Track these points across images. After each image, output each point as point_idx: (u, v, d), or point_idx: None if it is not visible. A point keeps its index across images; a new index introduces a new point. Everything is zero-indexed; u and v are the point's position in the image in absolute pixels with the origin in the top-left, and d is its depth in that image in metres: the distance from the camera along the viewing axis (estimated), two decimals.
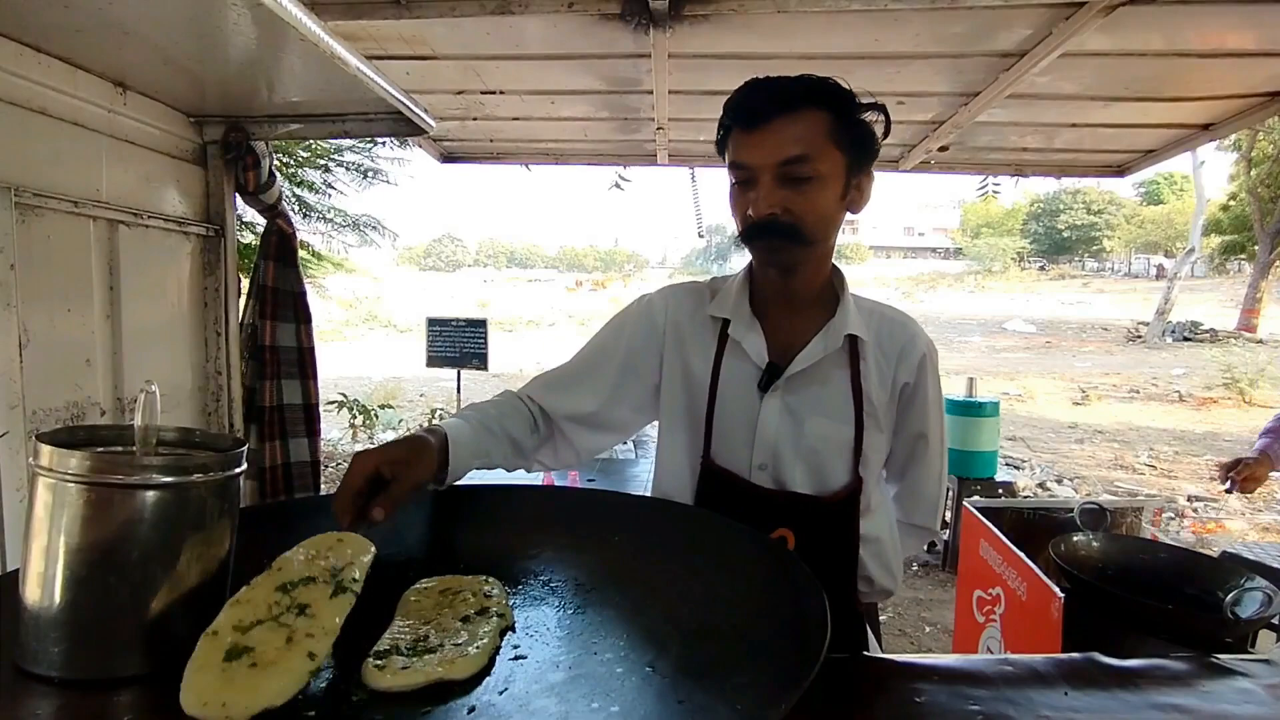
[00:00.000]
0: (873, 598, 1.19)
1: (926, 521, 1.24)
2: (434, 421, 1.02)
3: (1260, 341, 15.95)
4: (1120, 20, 1.65)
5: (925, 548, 4.26)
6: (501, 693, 0.63)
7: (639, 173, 3.52)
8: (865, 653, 1.14)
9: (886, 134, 1.06)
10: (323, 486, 2.44)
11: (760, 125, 0.99)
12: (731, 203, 1.06)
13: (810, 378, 1.09)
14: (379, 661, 0.65)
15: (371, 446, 0.87)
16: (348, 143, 5.73)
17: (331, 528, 0.80)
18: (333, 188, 6.03)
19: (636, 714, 0.58)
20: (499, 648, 0.70)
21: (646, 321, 1.18)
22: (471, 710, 0.60)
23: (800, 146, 0.97)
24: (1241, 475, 2.14)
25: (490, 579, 0.83)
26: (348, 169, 5.99)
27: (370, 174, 6.07)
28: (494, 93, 2.39)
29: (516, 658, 0.69)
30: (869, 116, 1.03)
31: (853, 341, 1.09)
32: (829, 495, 1.09)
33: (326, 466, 6.63)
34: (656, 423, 1.23)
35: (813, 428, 1.08)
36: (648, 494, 1.11)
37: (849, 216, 1.08)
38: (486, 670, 0.66)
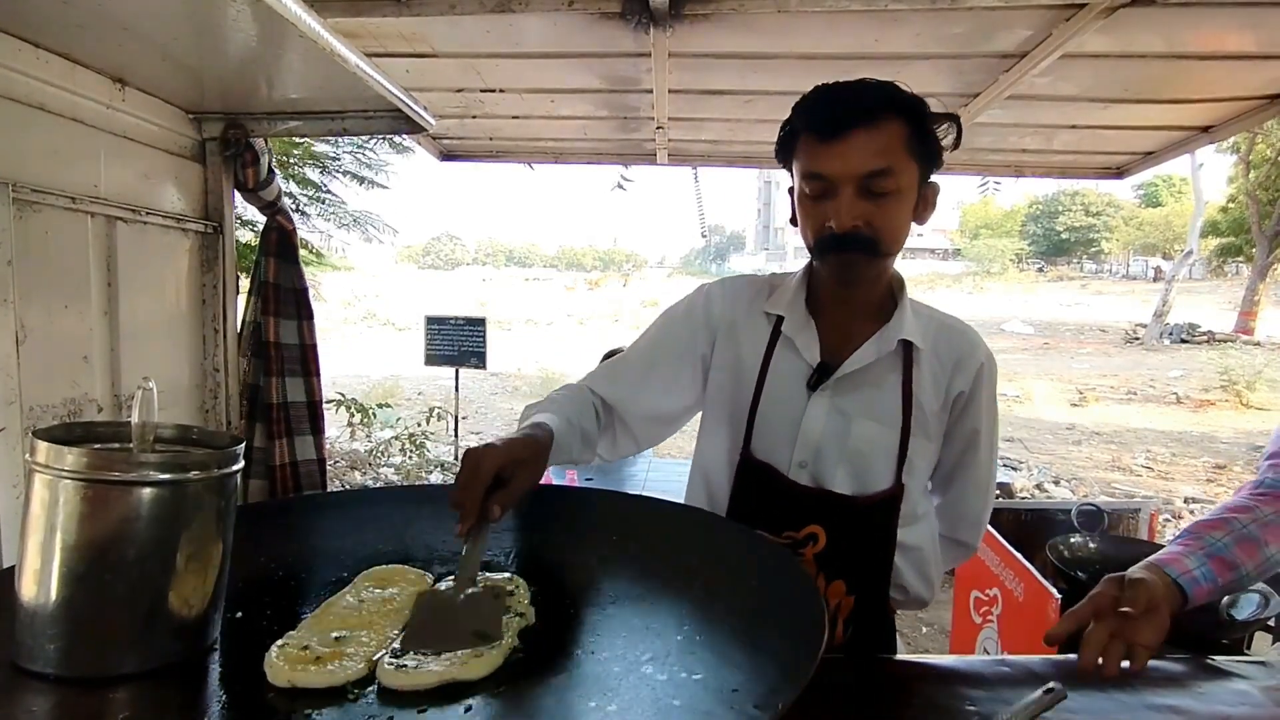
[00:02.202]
0: (906, 606, 1.17)
1: (968, 537, 1.21)
2: (532, 420, 1.04)
3: (1258, 344, 15.98)
4: (1120, 22, 1.65)
5: None
6: (499, 692, 0.63)
7: (638, 172, 3.52)
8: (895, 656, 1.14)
9: (957, 145, 1.05)
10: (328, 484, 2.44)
11: (841, 135, 0.96)
12: (803, 213, 1.04)
13: (861, 380, 1.08)
14: (394, 660, 0.65)
15: (489, 443, 0.86)
16: (346, 144, 5.72)
17: (336, 524, 0.80)
18: (330, 192, 6.01)
19: (633, 714, 0.58)
20: (517, 647, 0.70)
21: (703, 312, 1.18)
22: (469, 710, 0.60)
23: (883, 160, 0.96)
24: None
25: (516, 578, 0.83)
26: (345, 173, 5.98)
27: (364, 182, 6.06)
28: (494, 91, 2.39)
29: (515, 657, 0.69)
30: (940, 128, 1.02)
31: (907, 347, 1.08)
32: (865, 497, 1.08)
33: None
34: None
35: (859, 430, 1.07)
36: (645, 493, 1.11)
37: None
38: (502, 670, 0.66)
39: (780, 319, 1.12)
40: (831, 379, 1.08)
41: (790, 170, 1.06)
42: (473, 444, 0.95)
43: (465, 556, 0.79)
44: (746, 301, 1.17)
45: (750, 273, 1.26)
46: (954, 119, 1.03)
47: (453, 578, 0.80)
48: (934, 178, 1.06)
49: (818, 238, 1.02)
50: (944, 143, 1.04)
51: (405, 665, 0.64)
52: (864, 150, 0.96)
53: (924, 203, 1.04)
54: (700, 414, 1.22)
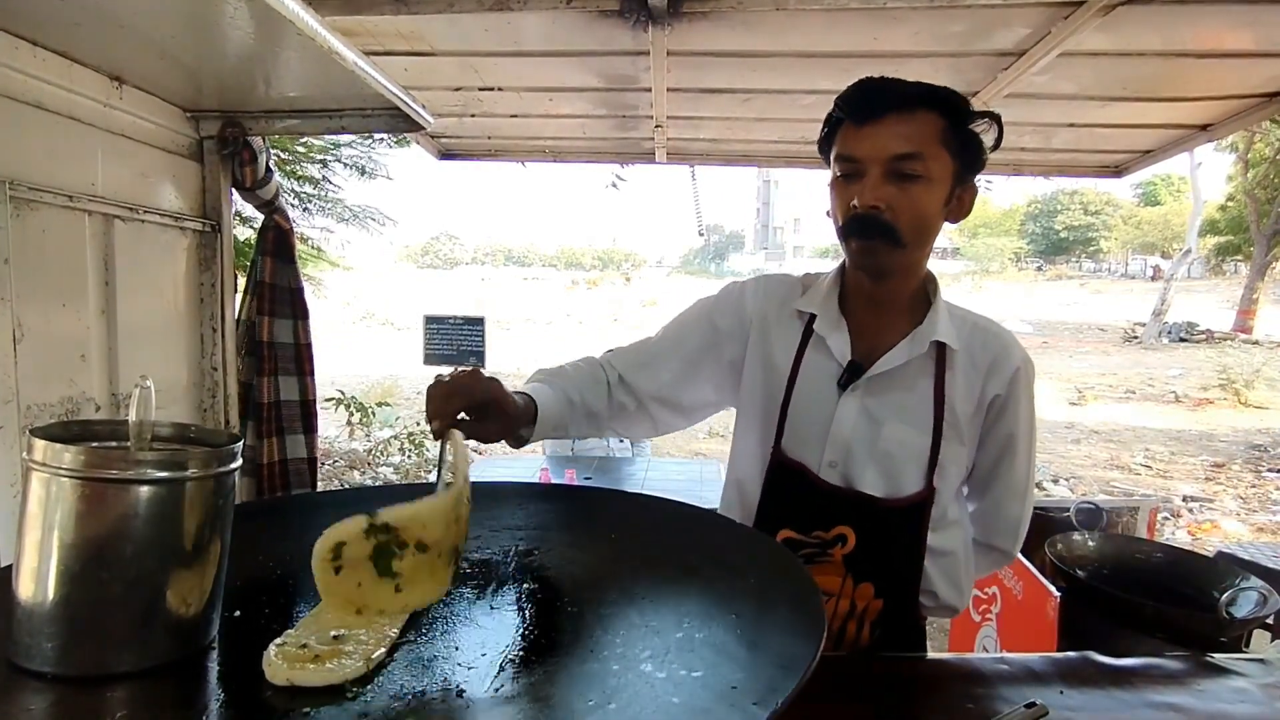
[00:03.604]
0: (937, 613, 1.16)
1: (1005, 544, 1.18)
2: (523, 385, 1.09)
3: (1256, 343, 15.97)
4: (1119, 20, 1.65)
5: None
6: (498, 690, 0.63)
7: (636, 171, 3.53)
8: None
9: (997, 145, 1.05)
10: (319, 484, 2.44)
11: (874, 119, 0.98)
12: (833, 196, 1.04)
13: (892, 381, 1.08)
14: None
15: (489, 374, 0.91)
16: (345, 139, 5.71)
17: (324, 522, 0.80)
18: (329, 182, 6.01)
19: (632, 711, 0.58)
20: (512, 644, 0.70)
21: (735, 307, 1.18)
22: (467, 708, 0.60)
23: (912, 144, 0.97)
24: None
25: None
26: (345, 164, 5.98)
27: (366, 171, 6.06)
28: (492, 89, 2.39)
29: (514, 655, 0.69)
30: (980, 126, 1.02)
31: (940, 349, 1.07)
32: (895, 499, 1.07)
33: (323, 465, 6.62)
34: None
35: (890, 432, 1.07)
36: (645, 492, 1.11)
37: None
38: (500, 668, 0.66)
39: (813, 317, 1.12)
40: (862, 379, 1.08)
41: (829, 163, 1.06)
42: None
43: (442, 463, 0.84)
44: (779, 300, 1.17)
45: (784, 272, 1.26)
46: (995, 117, 1.03)
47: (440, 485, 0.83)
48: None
49: (844, 220, 1.02)
50: (985, 142, 1.04)
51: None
52: (894, 134, 0.97)
53: (959, 201, 1.04)
54: (735, 412, 1.22)
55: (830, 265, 1.19)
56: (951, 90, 1.00)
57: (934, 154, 0.98)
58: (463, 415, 0.88)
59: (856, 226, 1.00)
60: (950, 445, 1.07)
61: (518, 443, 1.00)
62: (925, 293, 1.11)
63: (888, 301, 1.10)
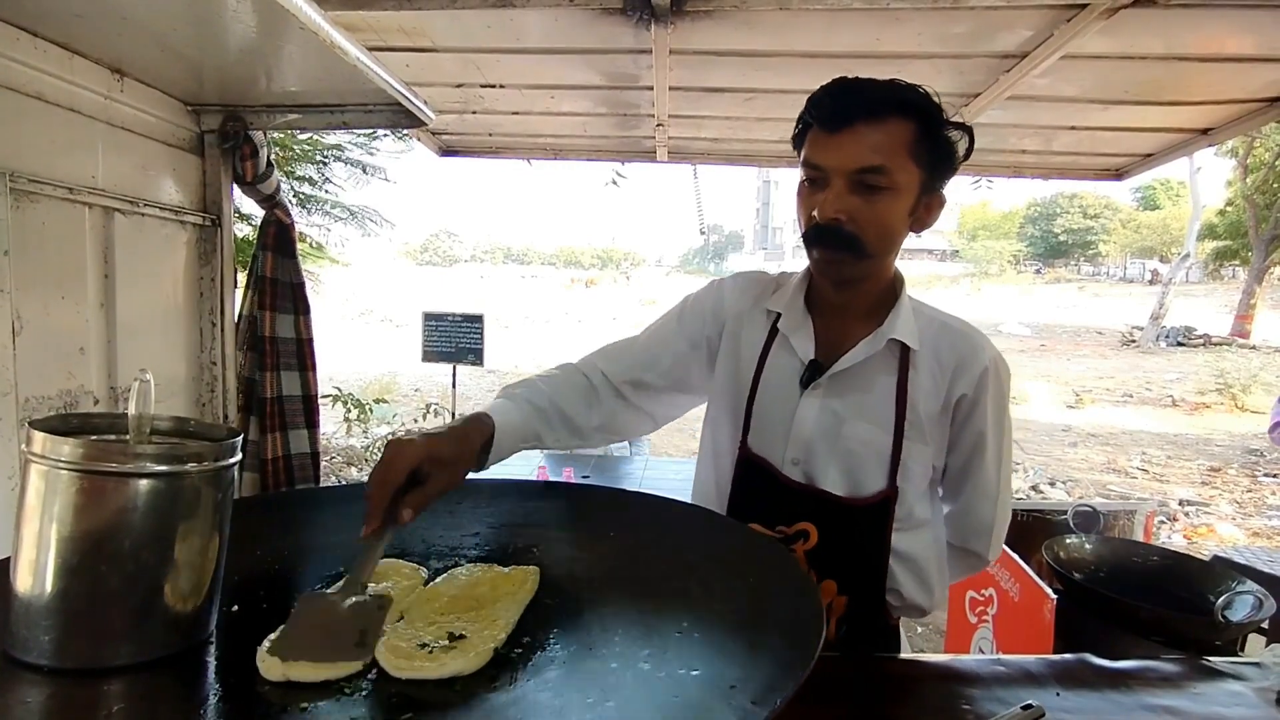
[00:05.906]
0: (905, 613, 1.16)
1: (978, 547, 1.17)
2: (479, 409, 0.98)
3: (1253, 347, 16.03)
4: (1121, 23, 1.65)
5: None
6: (497, 688, 0.63)
7: (637, 170, 3.52)
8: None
9: (967, 156, 1.03)
10: (322, 479, 2.44)
11: (842, 128, 0.96)
12: (799, 200, 1.04)
13: (853, 380, 1.08)
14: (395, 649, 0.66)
15: (411, 435, 0.82)
16: (346, 138, 5.71)
17: (332, 519, 0.80)
18: (329, 180, 6.00)
19: (631, 709, 0.58)
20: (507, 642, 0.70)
21: (714, 302, 1.20)
22: (465, 705, 0.60)
23: (879, 157, 0.95)
24: None
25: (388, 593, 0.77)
26: (346, 164, 5.97)
27: (368, 170, 6.05)
28: (493, 86, 2.38)
29: (512, 653, 0.69)
30: (953, 135, 1.00)
31: (904, 349, 1.07)
32: (858, 499, 1.07)
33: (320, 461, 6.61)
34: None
35: (851, 430, 1.07)
36: (642, 490, 1.11)
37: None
38: (499, 666, 0.66)
39: (779, 316, 1.13)
40: (823, 377, 1.08)
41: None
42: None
43: (362, 559, 0.74)
44: (753, 297, 1.18)
45: (760, 270, 1.26)
46: (966, 129, 1.01)
47: (341, 582, 0.75)
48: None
49: (806, 228, 1.02)
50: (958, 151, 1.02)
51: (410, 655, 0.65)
52: (861, 144, 0.95)
53: (925, 210, 1.03)
54: (706, 405, 1.23)
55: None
56: (925, 95, 0.98)
57: (900, 165, 0.96)
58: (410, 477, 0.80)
59: (818, 236, 1.00)
60: (913, 445, 1.07)
61: (479, 468, 0.94)
62: (893, 292, 1.11)
63: (852, 302, 1.10)
